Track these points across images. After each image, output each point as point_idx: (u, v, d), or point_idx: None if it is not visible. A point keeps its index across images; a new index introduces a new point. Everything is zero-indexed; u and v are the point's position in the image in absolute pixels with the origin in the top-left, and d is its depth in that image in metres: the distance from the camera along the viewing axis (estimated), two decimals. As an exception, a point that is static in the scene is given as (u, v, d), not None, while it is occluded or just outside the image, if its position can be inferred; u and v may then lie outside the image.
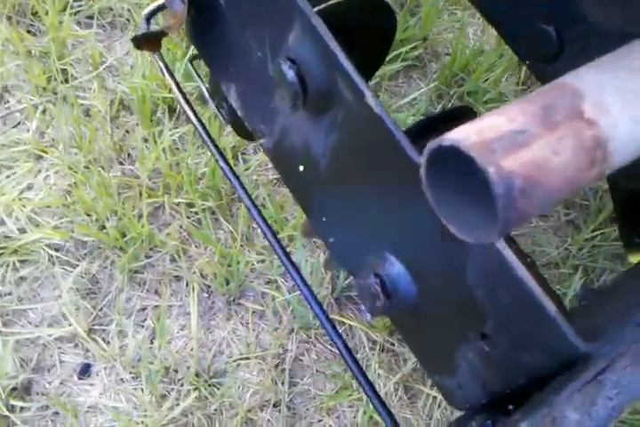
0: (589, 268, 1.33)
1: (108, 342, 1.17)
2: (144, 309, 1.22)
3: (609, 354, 0.50)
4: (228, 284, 1.24)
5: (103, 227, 1.25)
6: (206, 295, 1.25)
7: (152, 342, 1.18)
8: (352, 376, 1.13)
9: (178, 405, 1.12)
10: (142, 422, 1.10)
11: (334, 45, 0.62)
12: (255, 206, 0.87)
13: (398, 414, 1.17)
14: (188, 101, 0.92)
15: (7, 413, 1.07)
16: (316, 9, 0.67)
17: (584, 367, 0.50)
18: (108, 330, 1.18)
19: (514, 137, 0.42)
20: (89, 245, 1.25)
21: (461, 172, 0.44)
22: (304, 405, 1.17)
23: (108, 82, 1.42)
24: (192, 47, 1.35)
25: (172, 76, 0.93)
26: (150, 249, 1.26)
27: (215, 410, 1.14)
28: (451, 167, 0.45)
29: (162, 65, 0.93)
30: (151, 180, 1.32)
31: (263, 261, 1.27)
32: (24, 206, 1.26)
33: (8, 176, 1.30)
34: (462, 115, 0.95)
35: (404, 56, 1.54)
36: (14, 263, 1.21)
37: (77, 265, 1.22)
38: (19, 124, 1.37)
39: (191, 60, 1.04)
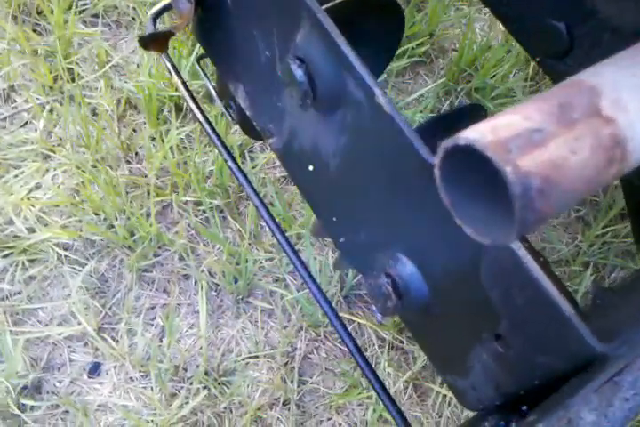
0: (600, 265, 1.32)
1: (118, 341, 1.17)
2: (153, 307, 1.22)
3: (626, 355, 0.50)
4: (236, 282, 1.23)
5: (112, 226, 1.25)
6: (215, 294, 1.25)
7: (161, 341, 1.18)
8: (361, 374, 1.13)
9: (187, 403, 1.12)
10: (152, 421, 1.10)
11: (343, 44, 0.61)
12: (263, 204, 0.87)
13: (408, 413, 1.16)
14: (195, 100, 0.92)
15: (18, 412, 1.07)
16: (323, 7, 0.66)
17: (600, 369, 0.50)
18: (117, 329, 1.19)
19: (530, 136, 0.42)
20: (97, 244, 1.25)
21: (476, 171, 0.44)
22: (313, 403, 1.17)
23: (115, 81, 1.41)
24: (198, 45, 1.35)
25: (178, 75, 0.92)
26: (159, 248, 1.26)
27: (225, 408, 1.14)
28: (465, 167, 0.44)
29: (168, 64, 0.93)
30: (159, 178, 1.32)
31: (271, 259, 1.27)
32: (32, 206, 1.26)
33: (16, 176, 1.30)
34: (472, 112, 0.95)
35: (410, 52, 1.53)
36: (23, 263, 1.21)
37: (86, 264, 1.22)
38: (26, 123, 1.37)
39: (198, 60, 1.03)
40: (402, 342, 1.22)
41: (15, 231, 1.24)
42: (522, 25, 0.96)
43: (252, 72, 0.80)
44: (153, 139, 1.36)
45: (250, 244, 1.27)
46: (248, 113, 0.84)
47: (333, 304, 1.23)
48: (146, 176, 1.32)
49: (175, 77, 0.93)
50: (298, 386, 1.17)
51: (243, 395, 1.14)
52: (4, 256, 1.21)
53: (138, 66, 1.45)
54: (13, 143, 1.33)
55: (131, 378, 1.15)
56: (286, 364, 1.19)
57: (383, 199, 0.67)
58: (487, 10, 1.58)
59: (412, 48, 1.53)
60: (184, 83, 0.92)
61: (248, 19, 0.75)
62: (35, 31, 1.46)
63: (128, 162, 1.34)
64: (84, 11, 1.49)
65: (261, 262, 1.26)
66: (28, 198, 1.28)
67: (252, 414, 1.13)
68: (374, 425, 1.14)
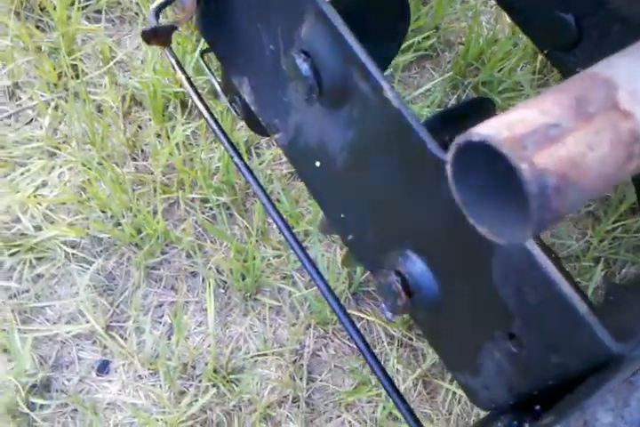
0: (610, 260, 1.31)
1: (126, 339, 1.17)
2: (161, 305, 1.22)
3: (642, 355, 0.49)
4: (244, 279, 1.23)
5: (118, 223, 1.24)
6: (222, 291, 1.24)
7: (169, 339, 1.18)
8: (370, 372, 1.12)
9: (197, 401, 1.12)
10: (161, 419, 1.10)
11: (349, 36, 0.60)
12: (270, 202, 0.86)
13: (418, 410, 1.16)
14: (200, 97, 0.91)
15: (27, 410, 1.07)
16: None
17: (616, 369, 0.49)
18: (125, 327, 1.18)
19: (547, 131, 0.40)
20: (105, 241, 1.25)
21: (489, 168, 0.42)
22: (322, 400, 1.17)
23: (119, 77, 1.41)
24: (202, 41, 1.34)
25: (183, 71, 0.92)
26: (166, 245, 1.26)
27: (234, 406, 1.13)
28: (478, 163, 0.43)
29: (173, 60, 0.92)
30: (165, 175, 1.31)
31: (279, 256, 1.26)
32: (39, 204, 1.26)
33: (22, 173, 1.29)
34: (480, 106, 0.94)
35: (416, 46, 1.52)
36: (31, 261, 1.21)
37: (93, 262, 1.22)
38: (31, 120, 1.37)
39: (202, 54, 1.02)
40: (411, 338, 1.21)
41: (22, 229, 1.23)
42: (529, 17, 0.95)
43: (256, 66, 0.79)
44: (158, 135, 1.35)
45: (257, 241, 1.26)
46: (253, 108, 0.83)
47: (342, 301, 1.22)
48: (152, 173, 1.31)
49: (180, 73, 0.92)
50: (307, 384, 1.16)
51: (252, 393, 1.14)
52: (12, 254, 1.21)
53: (142, 62, 1.44)
54: (19, 141, 1.33)
55: (139, 376, 1.14)
56: (295, 361, 1.18)
57: (391, 196, 0.66)
58: (493, 2, 1.57)
59: (418, 42, 1.52)
60: (188, 79, 0.91)
61: (251, 12, 0.74)
62: (38, 27, 1.45)
63: (134, 159, 1.34)
64: (86, 6, 1.48)
65: (269, 259, 1.26)
66: (35, 196, 1.27)
67: (262, 411, 1.13)
68: (384, 423, 1.14)
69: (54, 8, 1.42)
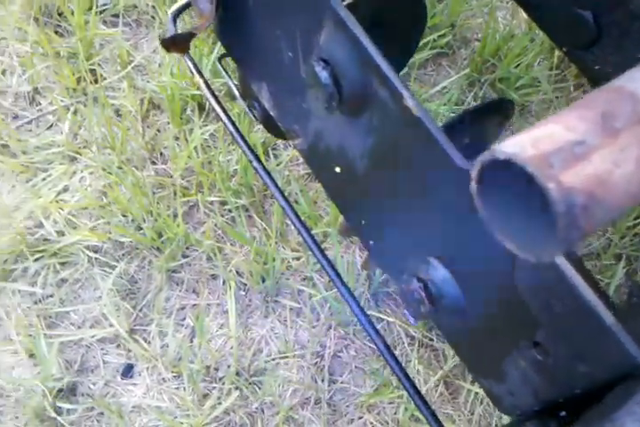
0: (632, 257, 1.30)
1: (149, 342, 1.18)
2: (183, 308, 1.23)
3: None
4: (264, 281, 1.24)
5: (140, 227, 1.25)
6: (243, 293, 1.25)
7: (192, 342, 1.19)
8: (392, 373, 1.13)
9: (220, 404, 1.13)
10: (185, 422, 1.11)
11: (369, 45, 0.59)
12: (289, 204, 0.87)
13: (439, 411, 1.16)
14: (218, 101, 0.92)
15: (55, 415, 1.09)
16: (345, 2, 0.65)
17: (644, 380, 0.49)
18: (148, 330, 1.20)
19: (573, 148, 0.40)
20: (126, 245, 1.26)
21: (515, 183, 0.42)
22: (344, 402, 1.17)
23: (137, 81, 1.42)
24: (219, 43, 1.34)
25: (200, 75, 0.92)
26: (187, 248, 1.27)
27: (256, 409, 1.14)
28: (503, 179, 0.43)
29: (190, 65, 0.92)
30: (184, 179, 1.32)
31: (298, 258, 1.27)
32: (61, 209, 1.27)
33: (44, 179, 1.31)
34: (500, 107, 0.93)
35: (432, 44, 1.51)
36: (54, 266, 1.23)
37: (116, 266, 1.23)
38: (51, 125, 1.38)
39: (220, 59, 1.03)
40: (431, 339, 1.21)
41: (45, 235, 1.25)
42: (546, 13, 0.94)
43: (275, 72, 0.79)
44: (177, 138, 1.36)
45: (276, 242, 1.27)
46: (272, 113, 0.83)
47: (361, 303, 1.22)
48: (171, 177, 1.32)
49: (198, 78, 0.92)
50: (328, 385, 1.17)
51: (274, 395, 1.15)
52: (36, 260, 1.22)
53: (159, 65, 1.45)
54: (40, 146, 1.34)
55: (163, 379, 1.16)
56: (316, 363, 1.19)
57: (412, 202, 0.66)
58: (510, -2, 1.56)
59: (434, 39, 1.51)
60: (206, 83, 0.91)
61: (270, 18, 0.74)
62: (56, 33, 1.46)
63: (153, 162, 1.35)
64: (104, 11, 1.49)
65: (289, 261, 1.26)
66: (57, 201, 1.29)
67: (284, 413, 1.14)
68: (406, 424, 1.14)
69: (72, 13, 1.44)
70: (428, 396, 1.16)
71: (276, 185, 0.88)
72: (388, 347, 0.83)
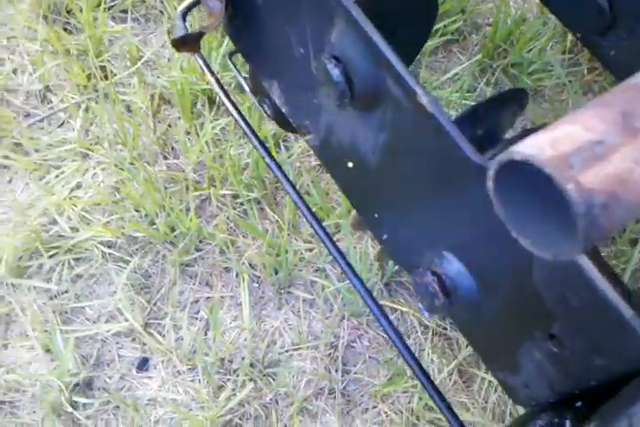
0: (648, 242, 1.28)
1: (164, 336, 1.19)
2: (197, 301, 1.24)
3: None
4: (277, 273, 1.24)
5: (153, 222, 1.26)
6: (256, 286, 1.26)
7: (206, 334, 1.20)
8: (405, 362, 1.12)
9: (234, 395, 1.14)
10: (201, 414, 1.12)
11: (380, 42, 0.58)
12: (300, 197, 0.86)
13: (453, 399, 1.16)
14: (228, 96, 0.92)
15: (71, 409, 1.11)
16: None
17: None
18: (163, 324, 1.21)
19: (592, 148, 0.39)
20: (140, 240, 1.27)
21: (532, 182, 0.41)
22: (358, 392, 1.18)
23: (147, 76, 1.42)
24: (228, 37, 1.34)
25: (210, 71, 0.92)
26: (200, 242, 1.27)
27: (271, 400, 1.15)
28: (521, 178, 0.42)
29: (200, 61, 0.92)
30: (196, 173, 1.33)
31: (311, 249, 1.27)
32: (75, 205, 1.29)
33: (57, 176, 1.32)
34: (514, 97, 0.91)
35: (442, 30, 1.50)
36: (69, 262, 1.24)
37: (130, 261, 1.25)
38: (63, 123, 1.39)
39: (230, 56, 1.03)
40: (445, 328, 1.21)
41: (59, 231, 1.26)
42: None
43: (285, 69, 0.78)
44: (188, 133, 1.36)
45: (289, 234, 1.27)
46: (283, 110, 0.83)
47: (374, 293, 1.22)
48: (183, 171, 1.33)
49: (208, 75, 0.92)
50: (342, 375, 1.18)
51: (288, 386, 1.16)
52: (51, 256, 1.24)
53: (169, 60, 1.45)
54: (52, 144, 1.36)
55: (178, 372, 1.17)
56: (330, 354, 1.19)
57: (426, 197, 0.66)
58: (521, -18, 1.53)
59: (444, 26, 1.50)
60: (217, 79, 0.91)
61: (280, 15, 0.73)
62: (65, 30, 1.47)
63: (165, 157, 1.35)
64: (112, 7, 1.50)
65: (301, 253, 1.27)
66: (70, 198, 1.30)
67: (299, 404, 1.14)
68: (420, 413, 1.14)
69: (80, 10, 1.44)
70: (442, 384, 1.16)
71: (288, 179, 0.88)
72: (401, 338, 0.83)
